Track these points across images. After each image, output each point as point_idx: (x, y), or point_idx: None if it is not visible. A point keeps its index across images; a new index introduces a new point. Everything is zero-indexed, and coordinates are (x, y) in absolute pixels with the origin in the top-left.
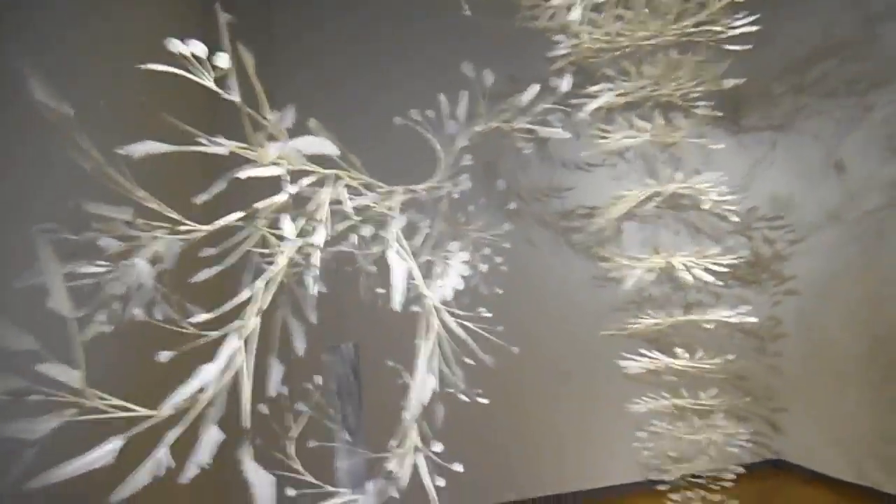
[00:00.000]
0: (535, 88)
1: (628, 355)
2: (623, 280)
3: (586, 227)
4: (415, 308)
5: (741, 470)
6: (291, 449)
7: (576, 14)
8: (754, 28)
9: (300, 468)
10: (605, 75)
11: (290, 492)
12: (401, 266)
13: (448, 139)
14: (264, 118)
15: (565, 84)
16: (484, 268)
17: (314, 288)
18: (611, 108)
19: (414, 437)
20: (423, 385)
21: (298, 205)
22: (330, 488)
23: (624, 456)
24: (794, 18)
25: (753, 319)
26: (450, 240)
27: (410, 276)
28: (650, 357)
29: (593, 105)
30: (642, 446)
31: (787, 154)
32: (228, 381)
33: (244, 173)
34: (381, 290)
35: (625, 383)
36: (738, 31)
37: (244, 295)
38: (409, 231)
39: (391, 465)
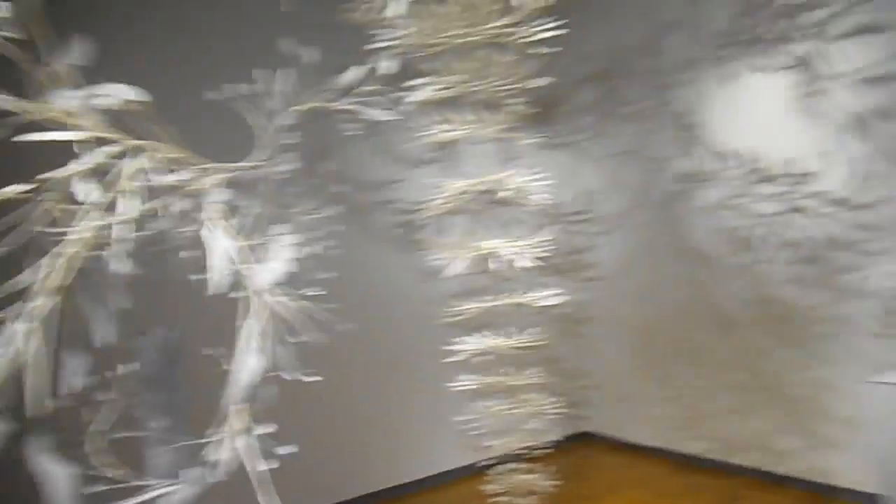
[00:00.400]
0: (357, 70)
1: (454, 341)
2: (446, 268)
3: (411, 218)
4: (237, 293)
5: (554, 441)
6: (98, 440)
7: (393, 10)
8: (560, 32)
9: (105, 461)
10: (423, 70)
11: (96, 487)
12: (220, 246)
13: (269, 116)
14: (50, 65)
15: (388, 66)
16: (314, 249)
17: (122, 267)
18: (430, 103)
19: (239, 421)
20: (248, 366)
21: (100, 176)
22: (141, 482)
23: (450, 441)
24: (596, 25)
25: (564, 299)
26: (275, 222)
27: (231, 258)
28: (475, 342)
29: (415, 98)
30: (466, 428)
31: (591, 151)
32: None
33: (27, 137)
34: (198, 276)
35: (451, 370)
36: (544, 35)
37: (26, 276)
38: (231, 211)
39: (211, 451)
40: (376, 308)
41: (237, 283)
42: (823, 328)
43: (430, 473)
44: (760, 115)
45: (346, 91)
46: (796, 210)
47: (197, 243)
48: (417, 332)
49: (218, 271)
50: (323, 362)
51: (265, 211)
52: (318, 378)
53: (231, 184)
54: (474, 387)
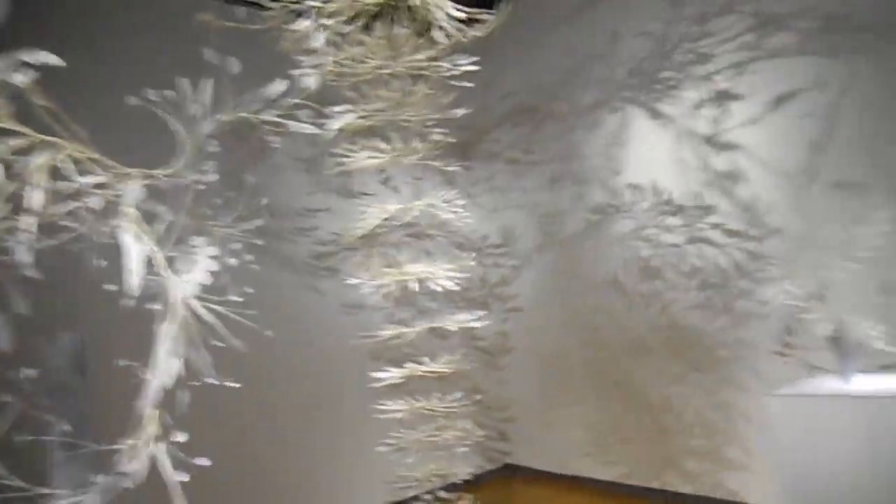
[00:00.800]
0: (281, 83)
1: (376, 368)
2: (367, 294)
3: (332, 243)
4: (153, 301)
5: (475, 473)
6: None
7: (319, 40)
8: (477, 68)
9: (3, 468)
10: (347, 97)
11: None
12: (136, 248)
13: (191, 125)
14: None
15: (312, 82)
16: (232, 262)
17: (26, 258)
18: (351, 130)
19: (153, 426)
20: (163, 370)
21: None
22: (45, 490)
23: (371, 474)
24: (515, 64)
25: (485, 323)
26: (194, 234)
27: (147, 263)
28: (397, 369)
29: (337, 123)
30: (387, 460)
31: (508, 185)
32: None
33: None
34: (111, 285)
35: (371, 399)
36: (464, 69)
37: None
38: (149, 219)
39: (123, 459)
40: (293, 332)
41: (154, 290)
42: (727, 352)
43: None
44: (664, 152)
45: (270, 103)
46: (699, 241)
47: (111, 251)
48: (337, 359)
49: (134, 275)
50: (240, 376)
51: (183, 220)
52: (237, 384)
53: (149, 190)
54: (396, 415)
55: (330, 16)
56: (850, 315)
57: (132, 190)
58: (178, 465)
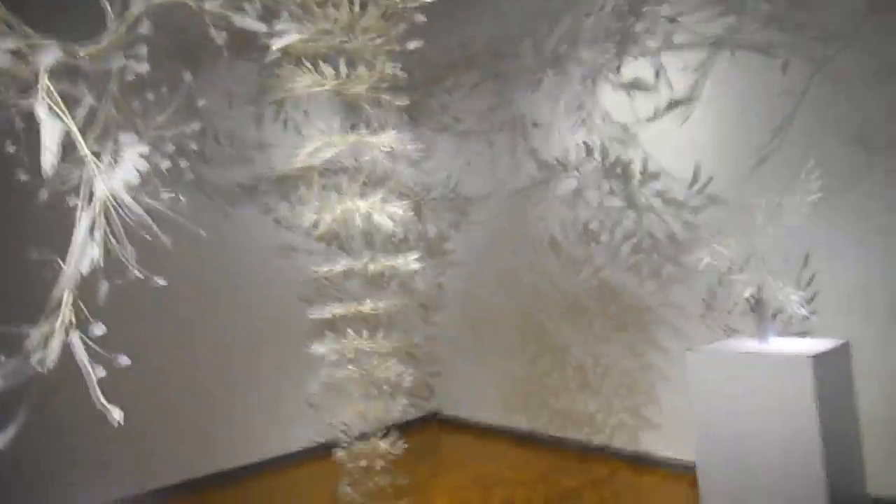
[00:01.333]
0: None
1: (310, 309)
2: (311, 228)
3: (271, 174)
4: (72, 191)
5: (403, 420)
6: None
7: None
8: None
9: None
10: (292, 13)
11: None
12: (51, 125)
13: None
14: None
15: None
16: (165, 165)
17: None
18: (297, 54)
19: (66, 314)
20: (82, 253)
21: None
22: None
23: (300, 419)
24: (473, 9)
25: (421, 265)
26: (122, 130)
27: (68, 147)
28: (331, 310)
29: (281, 42)
30: (317, 404)
31: (455, 135)
32: None
33: None
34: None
35: (304, 340)
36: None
37: None
38: (69, 103)
39: (33, 343)
40: (225, 258)
41: (73, 177)
42: (654, 314)
43: (280, 453)
44: (611, 114)
45: None
46: (636, 206)
47: (25, 136)
48: (268, 294)
49: (48, 153)
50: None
51: (109, 111)
52: (164, 282)
53: (69, 71)
54: (326, 354)
55: None
56: (773, 280)
57: (47, 55)
58: (96, 359)
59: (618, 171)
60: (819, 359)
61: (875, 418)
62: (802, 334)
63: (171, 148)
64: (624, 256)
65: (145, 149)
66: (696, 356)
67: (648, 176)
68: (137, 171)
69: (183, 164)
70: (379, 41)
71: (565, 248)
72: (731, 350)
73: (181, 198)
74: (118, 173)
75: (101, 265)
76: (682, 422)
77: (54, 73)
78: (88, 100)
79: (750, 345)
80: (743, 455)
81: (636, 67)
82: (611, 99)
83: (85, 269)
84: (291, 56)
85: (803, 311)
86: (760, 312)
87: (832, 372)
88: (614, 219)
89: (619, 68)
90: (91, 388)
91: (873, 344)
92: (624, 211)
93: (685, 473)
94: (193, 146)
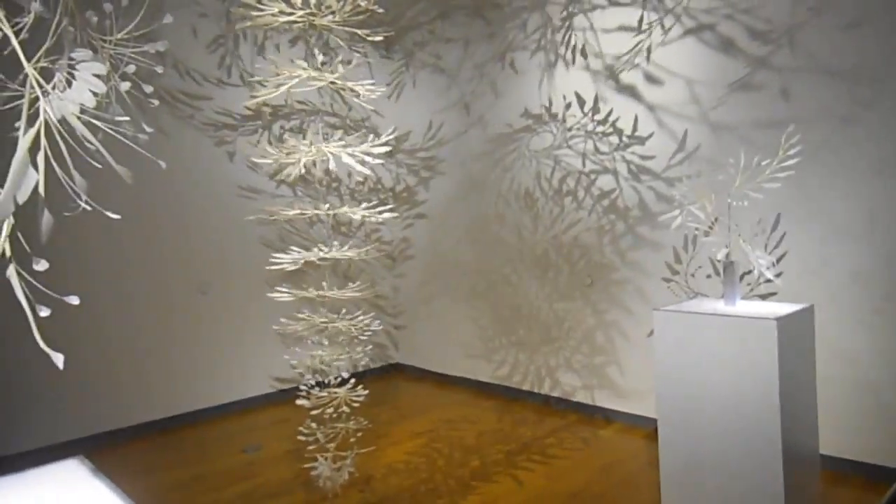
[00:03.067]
0: None
1: (274, 254)
2: (277, 169)
3: (238, 118)
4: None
5: (366, 368)
6: None
7: None
8: None
9: None
10: None
11: None
12: None
13: None
14: None
15: None
16: (125, 87)
17: None
18: None
19: (2, 244)
20: (19, 179)
21: None
22: None
23: (265, 364)
24: None
25: (392, 216)
26: (75, 45)
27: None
28: (296, 255)
29: None
30: (277, 347)
31: (430, 83)
32: None
33: None
34: None
35: (269, 285)
36: None
37: None
38: (9, 8)
39: None
40: (187, 190)
41: (14, 95)
42: (622, 274)
43: (239, 398)
44: (593, 72)
45: None
46: (614, 165)
47: None
48: (232, 236)
49: None
50: (123, 209)
51: (61, 23)
52: (116, 215)
53: None
54: (289, 300)
55: None
56: (744, 243)
57: None
58: (40, 298)
59: (602, 129)
60: (784, 321)
61: (829, 380)
62: (767, 296)
63: (131, 69)
64: (597, 216)
65: (102, 68)
66: (662, 315)
67: (634, 139)
68: (93, 92)
69: (147, 88)
70: None
71: (539, 202)
72: (698, 310)
73: (146, 127)
74: (71, 94)
75: (43, 194)
76: (642, 379)
77: None
78: (36, 6)
79: (716, 306)
80: (703, 412)
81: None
82: (596, 56)
83: (22, 197)
84: None
85: (770, 275)
86: (729, 275)
87: (795, 335)
88: (591, 176)
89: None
90: (33, 328)
91: (831, 308)
92: (603, 169)
93: (643, 427)
94: (158, 69)
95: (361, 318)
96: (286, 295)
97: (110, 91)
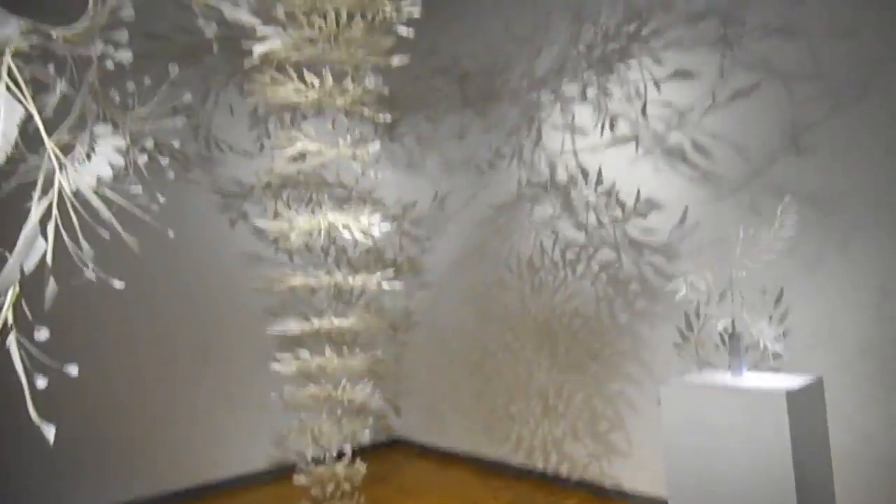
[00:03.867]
0: None
1: (276, 321)
2: (283, 237)
3: (247, 188)
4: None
5: (365, 444)
6: None
7: None
8: (417, 12)
9: None
10: (276, 19)
11: None
12: (13, 108)
13: None
14: None
15: None
16: (143, 160)
17: None
18: (280, 60)
19: (5, 313)
20: (28, 248)
21: None
22: None
23: (263, 438)
24: (457, 28)
25: (392, 281)
26: (98, 119)
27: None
28: (297, 324)
29: (263, 47)
30: (280, 424)
31: (433, 152)
32: None
33: None
34: None
35: (268, 356)
36: (404, 16)
37: None
38: (37, 88)
39: None
40: (185, 273)
41: (33, 167)
42: (625, 344)
43: (237, 474)
44: (594, 141)
45: None
46: (615, 234)
47: None
48: (235, 303)
49: (5, 139)
50: (128, 277)
51: (85, 100)
52: (120, 284)
53: (45, 54)
54: (289, 372)
55: None
56: (747, 314)
57: (5, 27)
58: (39, 367)
59: (604, 201)
60: (794, 394)
61: (844, 453)
62: (775, 369)
63: (150, 143)
64: (599, 285)
65: (122, 142)
66: (669, 389)
67: (637, 212)
68: (111, 165)
69: (163, 161)
70: (362, 53)
71: (540, 272)
72: (706, 383)
73: (160, 197)
74: (90, 167)
75: (50, 263)
76: (651, 455)
77: (24, 55)
78: (61, 86)
79: (724, 378)
80: (715, 490)
81: (622, 93)
82: (597, 124)
83: (29, 266)
84: (273, 63)
85: (777, 348)
86: (734, 346)
87: (806, 408)
88: (594, 246)
89: (607, 122)
90: (27, 399)
91: (842, 381)
92: (604, 240)
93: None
94: (175, 143)
95: (361, 388)
96: (286, 366)
97: (128, 163)
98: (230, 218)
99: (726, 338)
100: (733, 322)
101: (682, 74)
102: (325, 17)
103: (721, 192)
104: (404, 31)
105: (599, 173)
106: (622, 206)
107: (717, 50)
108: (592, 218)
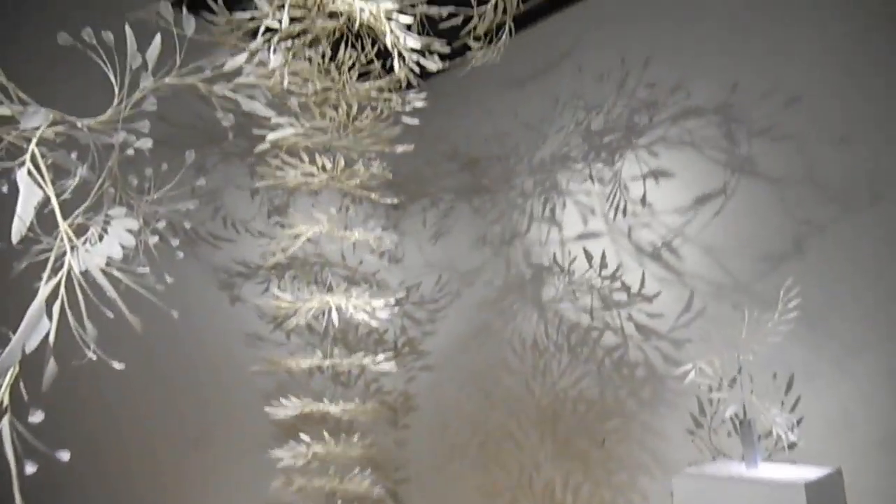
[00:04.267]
0: (241, 56)
1: (275, 405)
2: (287, 319)
3: (251, 268)
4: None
5: None
6: None
7: (276, 61)
8: (422, 104)
9: None
10: (290, 110)
11: None
12: (32, 191)
13: (129, 77)
14: None
15: (274, 60)
16: (153, 240)
17: None
18: (290, 146)
19: (2, 394)
20: (32, 328)
21: None
22: None
23: None
24: (463, 113)
25: (391, 364)
26: (115, 203)
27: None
28: (297, 405)
29: (275, 135)
30: None
31: (439, 234)
32: None
33: None
34: None
35: (267, 442)
36: (410, 106)
37: None
38: (58, 172)
39: None
40: (184, 353)
41: (44, 248)
42: (635, 431)
43: None
44: (598, 225)
45: (225, 76)
46: (622, 318)
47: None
48: (234, 386)
49: (21, 221)
50: (129, 359)
51: (105, 184)
52: (120, 365)
53: (70, 141)
54: (287, 459)
55: (288, 38)
56: (758, 400)
57: (33, 120)
58: (28, 451)
59: (609, 285)
60: (813, 486)
61: None
62: (791, 460)
63: (162, 224)
64: (606, 370)
65: (135, 224)
66: (682, 480)
67: (641, 297)
68: (122, 246)
69: (174, 242)
70: (369, 141)
71: (545, 356)
72: (720, 475)
73: (168, 277)
74: (101, 248)
75: (52, 344)
76: None
77: (49, 142)
78: (82, 171)
79: (738, 469)
80: None
81: (626, 177)
82: (603, 207)
83: (31, 346)
84: (283, 147)
85: (791, 436)
86: (747, 435)
87: (826, 500)
88: (599, 329)
89: (610, 210)
90: (14, 486)
91: (861, 474)
92: (609, 323)
93: None
94: (187, 224)
95: (361, 479)
96: (284, 453)
97: (139, 244)
98: (230, 296)
99: (738, 425)
100: (744, 408)
101: (680, 170)
102: (336, 109)
103: (725, 278)
104: (410, 121)
105: (603, 257)
106: (627, 290)
107: (721, 147)
108: (597, 301)
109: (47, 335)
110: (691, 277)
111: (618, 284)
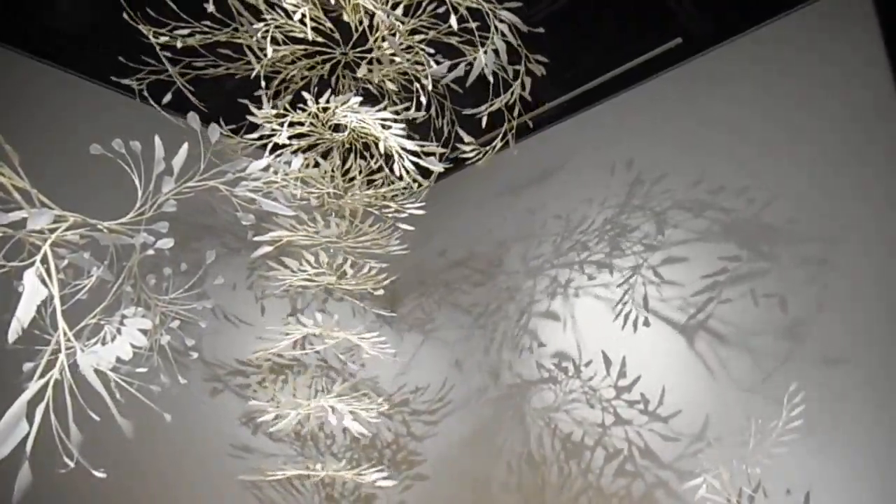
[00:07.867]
0: (262, 161)
1: None
2: (276, 421)
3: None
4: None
5: None
6: None
7: (296, 163)
8: (420, 212)
9: None
10: (298, 218)
11: None
12: (36, 291)
13: (153, 182)
14: None
15: (295, 162)
16: (165, 340)
17: None
18: (293, 250)
19: None
20: (10, 430)
21: None
22: None
23: None
24: (459, 220)
25: (389, 483)
26: (131, 303)
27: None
28: None
29: (270, 236)
30: None
31: (435, 341)
32: None
33: None
34: None
35: None
36: (407, 213)
37: None
38: (75, 271)
39: None
40: (167, 460)
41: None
42: None
43: None
44: (592, 331)
45: (248, 179)
46: (623, 424)
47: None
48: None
49: (19, 321)
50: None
51: (124, 284)
52: (102, 474)
53: (91, 243)
54: None
55: (299, 150)
56: None
57: (38, 221)
58: None
59: (605, 389)
60: None
61: None
62: None
63: (176, 324)
64: (609, 478)
65: (149, 324)
66: None
67: (639, 401)
68: (133, 346)
69: (189, 342)
70: (367, 243)
71: (546, 466)
72: None
73: (164, 378)
74: (111, 348)
75: (28, 451)
76: None
77: (72, 245)
78: (98, 272)
79: None
80: None
81: (615, 281)
82: (598, 312)
83: (5, 451)
84: (283, 249)
85: None
86: None
87: None
88: (598, 434)
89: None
90: None
91: None
92: (611, 429)
93: None
94: (202, 324)
95: None
96: None
97: (152, 344)
98: (222, 399)
99: None
100: None
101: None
102: (342, 217)
103: (730, 385)
104: (408, 227)
105: (605, 357)
106: (641, 402)
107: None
108: (599, 410)
109: (25, 439)
110: (703, 394)
111: (624, 392)
